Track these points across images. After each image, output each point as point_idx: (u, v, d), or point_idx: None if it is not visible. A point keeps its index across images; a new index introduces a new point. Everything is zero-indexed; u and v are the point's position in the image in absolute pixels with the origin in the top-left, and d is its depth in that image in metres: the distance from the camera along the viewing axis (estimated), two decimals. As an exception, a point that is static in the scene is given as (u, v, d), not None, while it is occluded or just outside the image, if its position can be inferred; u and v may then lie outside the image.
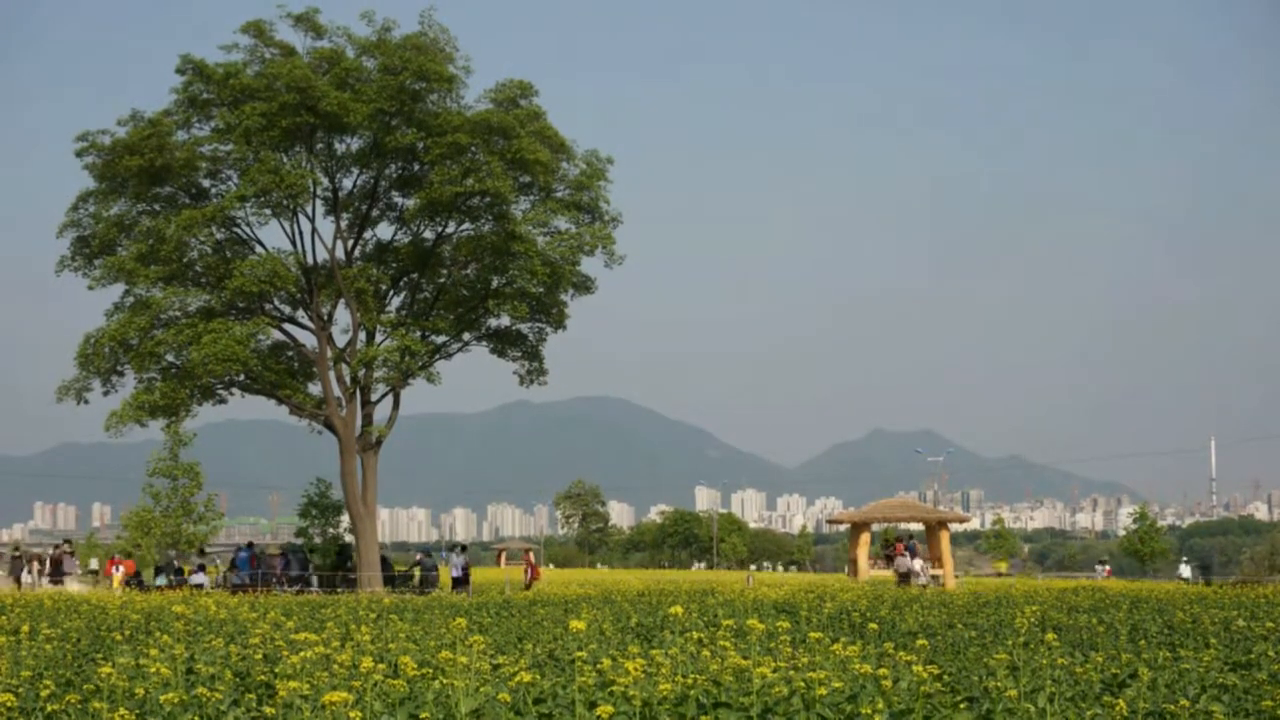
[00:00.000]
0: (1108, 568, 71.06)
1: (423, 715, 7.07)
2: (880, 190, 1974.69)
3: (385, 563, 41.71)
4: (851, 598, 21.56)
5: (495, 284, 40.37)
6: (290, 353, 41.59)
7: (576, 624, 7.48)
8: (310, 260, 40.09)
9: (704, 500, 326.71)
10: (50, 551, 46.15)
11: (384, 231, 42.61)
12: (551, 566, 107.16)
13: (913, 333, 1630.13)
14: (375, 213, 41.85)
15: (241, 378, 39.12)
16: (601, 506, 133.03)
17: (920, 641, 9.10)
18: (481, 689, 7.45)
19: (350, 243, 41.51)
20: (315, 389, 41.22)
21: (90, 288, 38.97)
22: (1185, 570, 59.06)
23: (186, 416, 40.07)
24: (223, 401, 40.83)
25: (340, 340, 40.45)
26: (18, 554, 44.24)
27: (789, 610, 19.17)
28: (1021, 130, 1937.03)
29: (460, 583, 40.06)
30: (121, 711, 6.66)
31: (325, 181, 39.93)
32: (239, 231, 39.93)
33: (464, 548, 48.90)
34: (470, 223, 40.23)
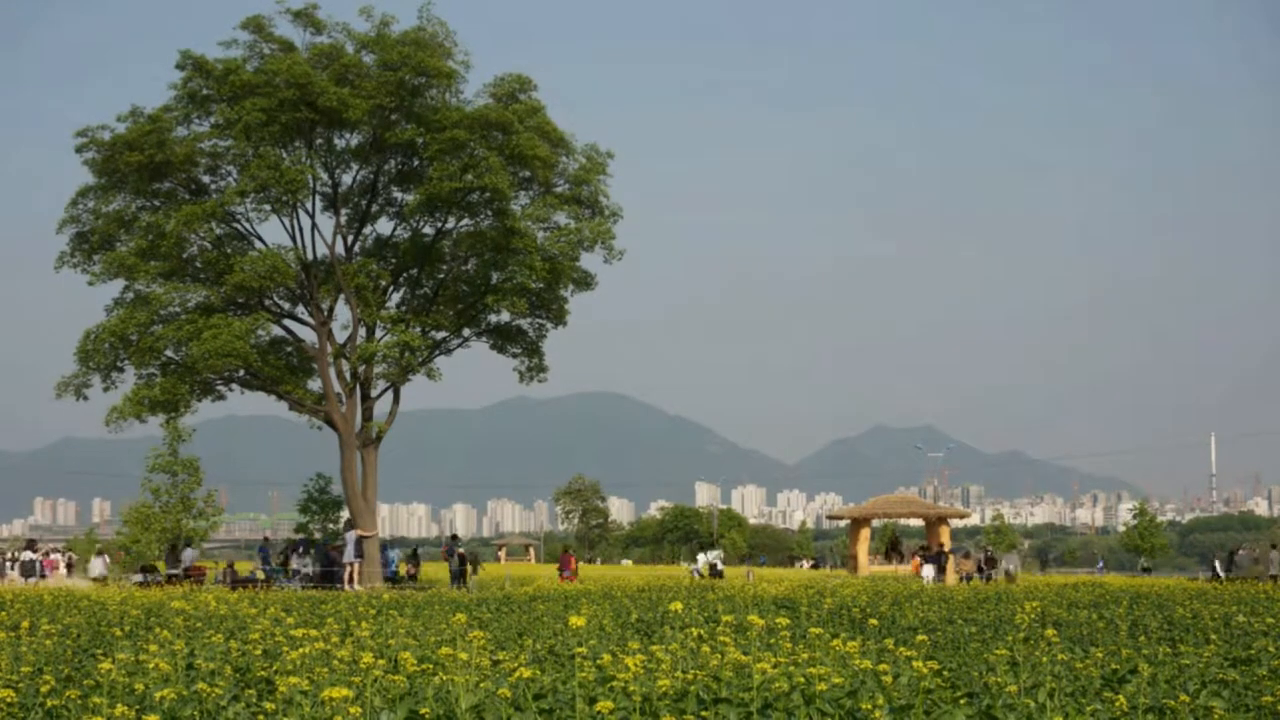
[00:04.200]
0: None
1: (423, 711, 7.06)
2: (870, 177, 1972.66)
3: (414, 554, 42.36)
4: (851, 593, 21.55)
5: (495, 280, 40.33)
6: (290, 348, 41.58)
7: (576, 620, 7.47)
8: (310, 256, 40.07)
9: (704, 496, 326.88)
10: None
11: (384, 227, 42.65)
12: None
13: (914, 328, 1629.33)
14: (375, 208, 41.84)
15: (241, 373, 39.12)
16: (601, 502, 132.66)
17: (920, 637, 9.09)
18: (481, 685, 7.44)
19: (350, 238, 41.50)
20: (315, 385, 41.22)
21: (90, 283, 38.99)
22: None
23: (186, 412, 40.06)
24: (221, 398, 40.83)
25: (340, 336, 40.47)
26: None
27: (789, 606, 19.16)
28: (1004, 105, 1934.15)
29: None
30: (121, 708, 6.65)
31: (325, 177, 39.92)
32: (239, 227, 39.95)
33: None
34: (470, 218, 40.21)
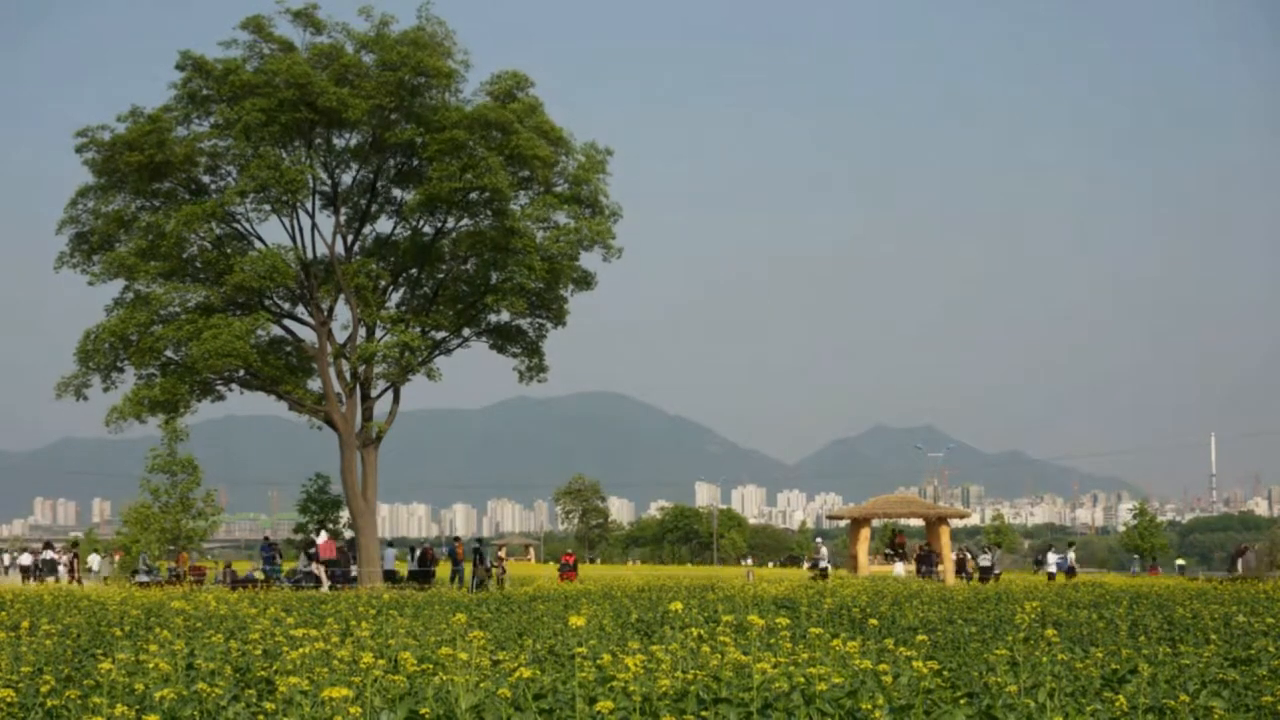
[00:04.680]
0: None
1: (423, 711, 7.06)
2: (870, 177, 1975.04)
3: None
4: (851, 594, 21.54)
5: (494, 280, 40.34)
6: (290, 348, 41.58)
7: (576, 620, 7.47)
8: (310, 255, 40.09)
9: (704, 496, 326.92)
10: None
11: (383, 226, 42.68)
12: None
13: (914, 328, 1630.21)
14: (374, 208, 41.85)
15: (241, 373, 39.12)
16: (601, 502, 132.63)
17: (920, 637, 9.10)
18: (481, 685, 7.44)
19: (350, 238, 41.51)
20: (315, 384, 41.23)
21: (90, 283, 39.02)
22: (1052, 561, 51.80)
23: (186, 412, 40.10)
24: (221, 398, 40.85)
25: (340, 336, 40.50)
26: None
27: (789, 606, 19.15)
28: (1004, 105, 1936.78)
29: (822, 574, 41.39)
30: (121, 708, 6.65)
31: (324, 177, 39.93)
32: (238, 227, 39.97)
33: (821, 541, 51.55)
34: (469, 218, 40.22)
